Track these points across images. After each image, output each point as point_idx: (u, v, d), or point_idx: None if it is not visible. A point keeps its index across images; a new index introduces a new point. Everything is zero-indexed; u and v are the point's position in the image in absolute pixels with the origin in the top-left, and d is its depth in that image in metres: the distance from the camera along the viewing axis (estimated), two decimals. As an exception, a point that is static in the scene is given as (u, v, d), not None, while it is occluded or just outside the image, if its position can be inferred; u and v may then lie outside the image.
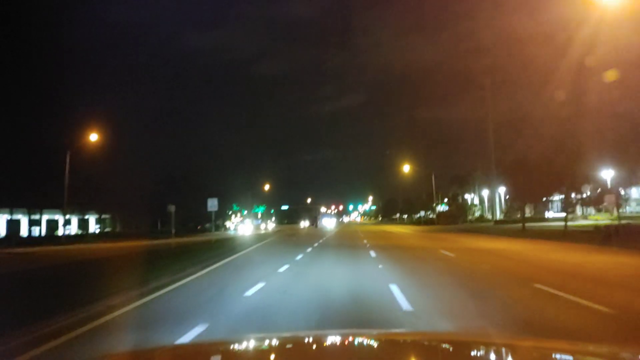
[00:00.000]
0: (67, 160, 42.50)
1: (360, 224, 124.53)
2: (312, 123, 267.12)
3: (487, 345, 2.64)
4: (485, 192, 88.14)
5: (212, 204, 25.76)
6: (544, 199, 46.16)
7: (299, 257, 18.26)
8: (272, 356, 2.66)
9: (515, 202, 45.03)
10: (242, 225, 70.13)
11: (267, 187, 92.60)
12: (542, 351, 2.48)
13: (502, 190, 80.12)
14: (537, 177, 39.60)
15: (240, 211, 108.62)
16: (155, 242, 32.91)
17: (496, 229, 44.34)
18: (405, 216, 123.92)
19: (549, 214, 61.60)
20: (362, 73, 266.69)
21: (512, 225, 51.73)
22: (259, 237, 37.95)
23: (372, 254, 18.75)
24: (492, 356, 2.48)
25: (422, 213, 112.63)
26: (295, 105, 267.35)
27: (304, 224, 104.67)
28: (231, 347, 2.85)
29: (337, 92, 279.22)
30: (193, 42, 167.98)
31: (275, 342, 2.91)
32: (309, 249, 22.64)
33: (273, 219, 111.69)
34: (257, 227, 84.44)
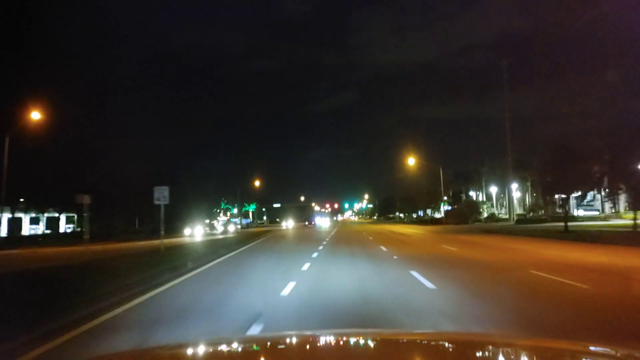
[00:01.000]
0: (6, 144, 33.41)
1: (357, 222, 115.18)
2: (307, 121, 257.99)
3: (488, 345, 2.55)
4: (493, 189, 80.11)
5: (161, 194, 16.73)
6: (579, 192, 37.72)
7: (287, 289, 9.54)
8: (273, 356, 2.48)
9: (552, 194, 36.50)
10: (188, 229, 49.72)
11: (257, 184, 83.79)
12: (543, 351, 2.38)
13: (513, 186, 72.12)
14: (585, 166, 31.90)
15: (229, 209, 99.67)
16: (101, 247, 24.95)
17: (527, 230, 35.57)
18: (401, 215, 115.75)
19: (577, 212, 53.18)
20: (356, 71, 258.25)
21: (540, 225, 43.30)
22: (221, 245, 24.47)
23: (421, 278, 10.10)
24: (493, 356, 2.35)
25: (422, 212, 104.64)
26: (288, 103, 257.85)
27: (286, 224, 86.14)
28: (230, 346, 2.67)
29: (331, 90, 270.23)
30: (184, 39, 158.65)
31: (275, 342, 2.82)
32: (306, 266, 13.90)
33: (241, 218, 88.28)
34: (218, 227, 65.90)
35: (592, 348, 2.48)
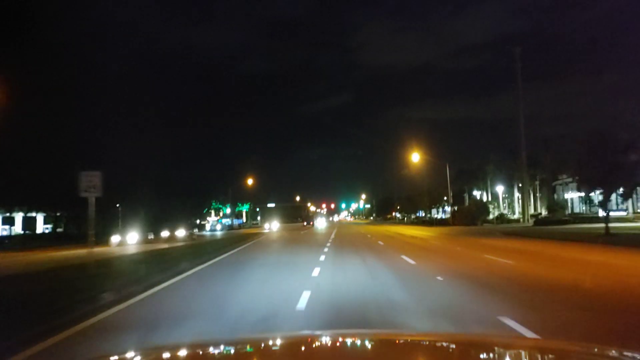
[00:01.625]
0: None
1: (355, 223, 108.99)
2: (304, 121, 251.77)
3: (488, 346, 2.47)
4: (499, 189, 74.68)
5: (89, 184, 11.08)
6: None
7: None
8: (273, 356, 2.41)
9: (591, 190, 31.16)
10: (117, 237, 35.76)
11: (251, 182, 78.03)
12: (542, 351, 2.32)
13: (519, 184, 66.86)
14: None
15: (221, 209, 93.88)
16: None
17: (557, 233, 29.93)
18: (398, 215, 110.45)
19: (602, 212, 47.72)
20: (353, 71, 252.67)
21: (565, 227, 37.91)
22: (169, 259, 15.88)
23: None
24: (493, 356, 2.29)
25: (423, 212, 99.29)
26: (284, 103, 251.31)
27: (269, 226, 69.34)
28: (230, 347, 2.54)
29: (328, 90, 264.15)
30: (180, 38, 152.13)
31: (275, 342, 2.71)
32: (304, 299, 8.28)
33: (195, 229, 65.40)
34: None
35: (593, 349, 2.41)
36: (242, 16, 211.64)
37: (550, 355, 2.23)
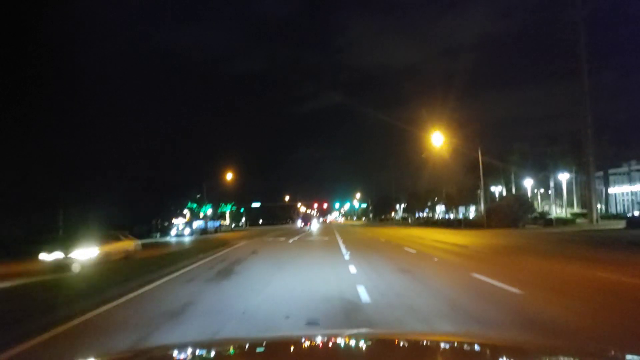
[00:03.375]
0: None
1: (350, 225, 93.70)
2: (292, 121, 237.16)
3: (487, 346, 2.38)
4: (528, 182, 61.29)
5: None
6: None
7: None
8: (272, 356, 2.28)
9: None
10: None
11: (235, 181, 63.46)
12: (543, 352, 2.27)
13: (563, 177, 53.67)
14: None
15: (198, 210, 79.24)
16: None
17: None
18: (397, 216, 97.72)
19: None
20: (342, 71, 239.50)
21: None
22: None
23: None
24: (492, 357, 2.20)
25: (430, 212, 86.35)
26: (273, 103, 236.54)
27: (177, 231, 48.28)
28: (229, 347, 2.52)
29: (316, 90, 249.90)
30: (167, 39, 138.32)
31: (274, 342, 2.63)
32: None
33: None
34: None
35: (592, 349, 2.37)
36: (229, 15, 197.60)
37: (550, 356, 2.18)
